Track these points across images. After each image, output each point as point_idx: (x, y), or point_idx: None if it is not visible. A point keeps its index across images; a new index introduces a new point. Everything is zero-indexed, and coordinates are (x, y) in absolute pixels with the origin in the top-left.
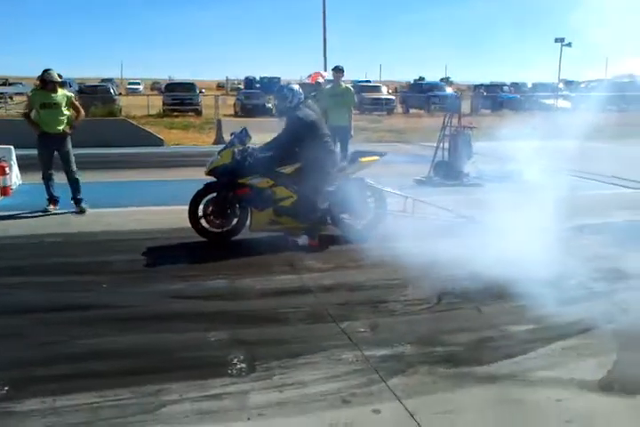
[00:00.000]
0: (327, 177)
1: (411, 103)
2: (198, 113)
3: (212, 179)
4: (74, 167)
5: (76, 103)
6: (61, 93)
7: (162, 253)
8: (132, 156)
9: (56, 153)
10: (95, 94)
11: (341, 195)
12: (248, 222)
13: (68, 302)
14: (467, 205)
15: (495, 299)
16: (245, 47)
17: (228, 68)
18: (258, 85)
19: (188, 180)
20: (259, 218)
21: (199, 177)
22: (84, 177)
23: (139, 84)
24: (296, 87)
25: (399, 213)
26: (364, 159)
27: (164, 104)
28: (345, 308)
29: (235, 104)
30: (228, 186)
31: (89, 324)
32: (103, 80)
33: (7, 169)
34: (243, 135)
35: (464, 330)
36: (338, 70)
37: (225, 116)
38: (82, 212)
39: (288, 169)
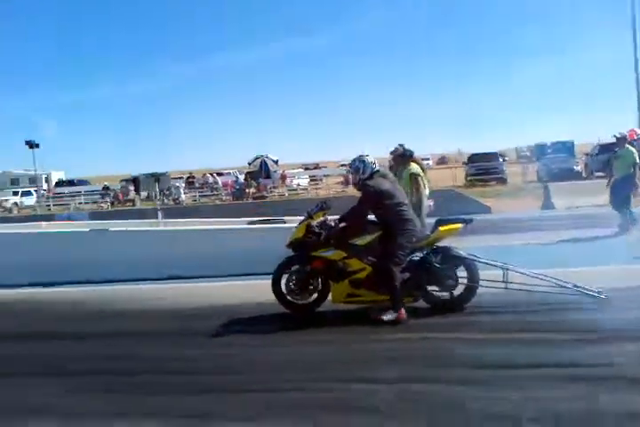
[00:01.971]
0: (403, 247)
1: None
2: (502, 181)
3: None
4: None
5: (418, 180)
6: (409, 168)
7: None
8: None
9: None
10: None
11: (424, 265)
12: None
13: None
14: None
15: None
16: (531, 113)
17: (513, 136)
18: (549, 151)
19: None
20: (337, 290)
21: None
22: None
23: (428, 159)
24: (368, 159)
25: (497, 285)
26: (443, 228)
27: (467, 175)
28: None
29: (538, 169)
30: (304, 259)
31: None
32: None
33: None
34: (318, 208)
35: None
36: None
37: (529, 182)
38: None
39: (361, 240)
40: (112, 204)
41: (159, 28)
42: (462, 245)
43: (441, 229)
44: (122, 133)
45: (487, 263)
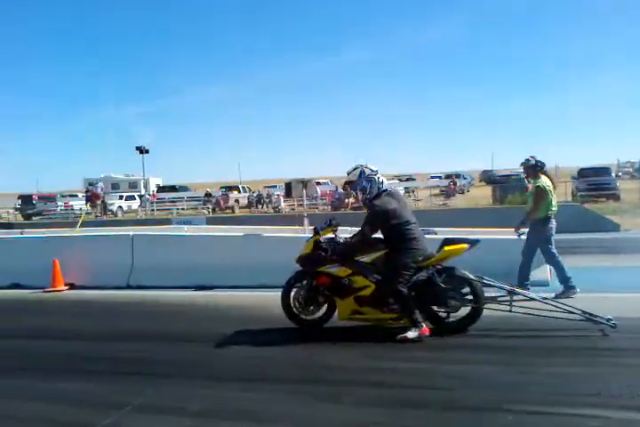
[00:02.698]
0: (408, 266)
1: None
2: (615, 198)
3: None
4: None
5: (540, 194)
6: (538, 180)
7: None
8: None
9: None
10: (508, 183)
11: (429, 285)
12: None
13: None
14: None
15: None
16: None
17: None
18: None
19: None
20: (343, 307)
21: None
22: None
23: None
24: (375, 178)
25: (503, 307)
26: (448, 248)
27: (577, 190)
28: None
29: None
30: (312, 274)
31: None
32: (484, 171)
33: None
34: (326, 225)
35: None
36: None
37: None
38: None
39: (367, 257)
40: (213, 210)
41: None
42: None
43: (446, 248)
44: (211, 142)
45: (493, 285)
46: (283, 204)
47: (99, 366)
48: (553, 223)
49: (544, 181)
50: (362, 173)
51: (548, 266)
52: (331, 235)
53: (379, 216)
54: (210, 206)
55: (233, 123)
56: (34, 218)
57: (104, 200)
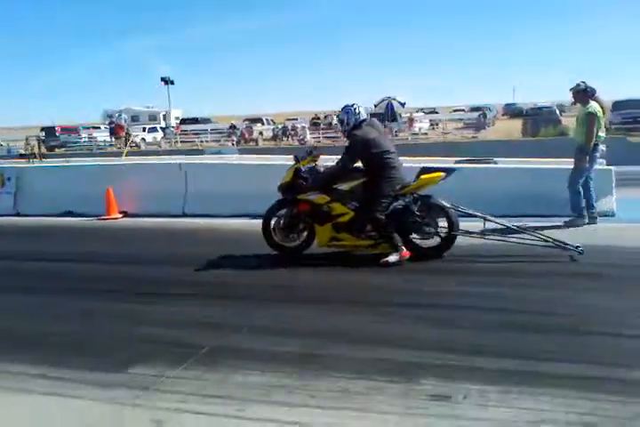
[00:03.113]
0: (386, 194)
1: None
2: None
3: None
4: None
5: (591, 120)
6: (588, 106)
7: None
8: None
9: None
10: (539, 116)
11: (406, 213)
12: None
13: None
14: None
15: None
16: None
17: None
18: None
19: None
20: (321, 233)
21: None
22: None
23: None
24: (353, 108)
25: (476, 235)
26: (424, 176)
27: (611, 123)
28: None
29: None
30: (292, 202)
31: None
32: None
33: None
34: (306, 154)
35: None
36: None
37: None
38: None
39: (346, 186)
40: (238, 142)
41: None
42: None
43: (422, 177)
44: (228, 74)
45: (467, 213)
46: (308, 136)
47: (198, 289)
48: (598, 151)
49: (595, 106)
50: (389, 104)
51: (613, 196)
52: (311, 164)
53: (359, 145)
54: (234, 138)
55: (255, 57)
56: (57, 150)
57: (128, 132)
